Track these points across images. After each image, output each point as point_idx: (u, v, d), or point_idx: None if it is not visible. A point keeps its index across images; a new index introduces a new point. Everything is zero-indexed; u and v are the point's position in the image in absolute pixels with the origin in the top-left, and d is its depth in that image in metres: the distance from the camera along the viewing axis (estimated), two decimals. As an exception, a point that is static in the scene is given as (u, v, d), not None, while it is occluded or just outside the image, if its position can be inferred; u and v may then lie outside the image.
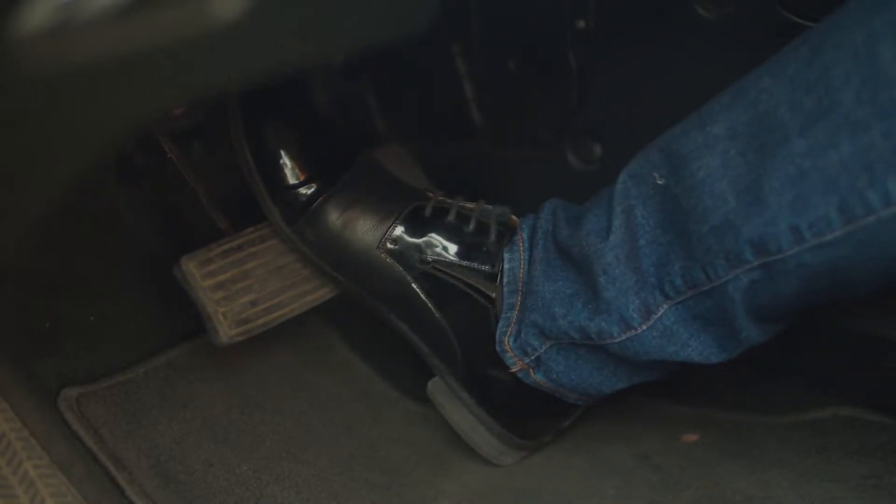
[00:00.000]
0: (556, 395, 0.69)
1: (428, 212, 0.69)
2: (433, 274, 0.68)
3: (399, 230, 0.68)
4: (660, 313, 0.58)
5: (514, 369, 0.67)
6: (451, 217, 0.69)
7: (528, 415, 0.71)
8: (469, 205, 0.70)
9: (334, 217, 0.69)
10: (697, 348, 0.59)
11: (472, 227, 0.68)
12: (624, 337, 0.60)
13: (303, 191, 0.69)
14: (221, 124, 0.74)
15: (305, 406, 0.74)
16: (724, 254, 0.53)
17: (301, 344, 0.78)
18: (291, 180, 0.69)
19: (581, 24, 0.78)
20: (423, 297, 0.68)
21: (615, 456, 0.71)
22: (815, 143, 0.48)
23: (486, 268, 0.67)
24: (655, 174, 0.58)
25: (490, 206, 0.69)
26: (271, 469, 0.65)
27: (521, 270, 0.66)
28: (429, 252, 0.68)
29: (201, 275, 0.64)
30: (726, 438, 0.71)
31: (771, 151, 0.50)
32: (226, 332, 0.64)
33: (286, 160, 0.69)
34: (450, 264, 0.68)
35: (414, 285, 0.68)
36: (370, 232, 0.68)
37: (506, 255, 0.67)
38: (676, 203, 0.56)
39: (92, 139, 0.35)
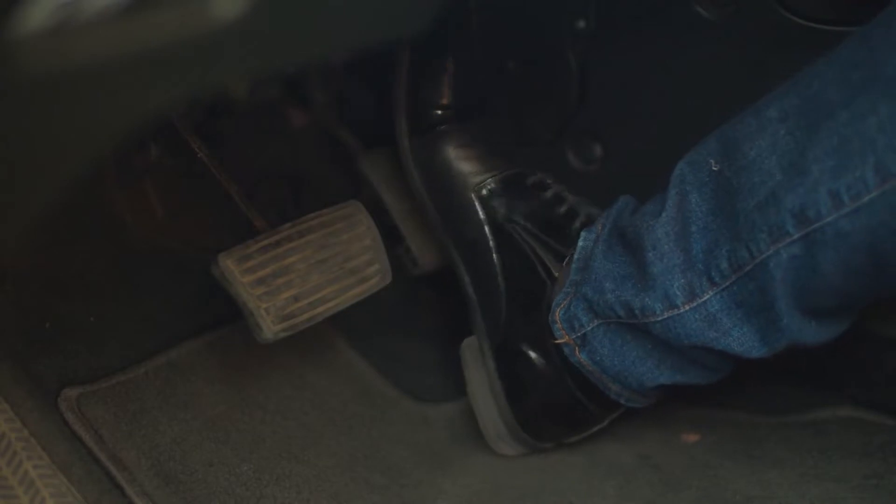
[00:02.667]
0: (598, 384, 0.69)
1: (530, 181, 0.72)
2: (510, 232, 0.71)
3: (499, 183, 0.72)
4: (704, 298, 0.59)
5: (559, 341, 0.68)
6: (548, 194, 0.72)
7: (542, 411, 0.71)
8: (567, 193, 0.73)
9: (453, 146, 0.73)
10: (738, 338, 0.60)
11: (563, 209, 0.71)
12: (666, 315, 0.61)
13: (438, 112, 0.73)
14: (254, 124, 0.75)
15: (307, 406, 0.74)
16: (767, 228, 0.54)
17: (303, 344, 0.78)
18: (435, 98, 0.73)
19: (581, 24, 0.78)
20: (493, 250, 0.71)
21: (616, 456, 0.71)
22: (857, 112, 0.49)
23: (560, 248, 0.70)
24: (711, 160, 0.59)
25: (589, 205, 0.73)
26: (272, 469, 0.65)
27: (591, 251, 0.68)
28: (516, 212, 0.71)
29: (240, 271, 0.64)
30: (727, 438, 0.71)
31: (816, 126, 0.51)
32: (270, 327, 0.64)
33: (439, 80, 0.73)
34: (529, 231, 0.70)
35: (489, 235, 0.71)
36: (475, 175, 0.72)
37: (582, 234, 0.69)
38: (728, 186, 0.57)
39: (92, 139, 0.35)
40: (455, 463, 0.73)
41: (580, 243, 0.69)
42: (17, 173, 0.35)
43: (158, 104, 0.36)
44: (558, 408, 0.71)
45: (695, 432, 0.73)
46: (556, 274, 0.69)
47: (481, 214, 0.71)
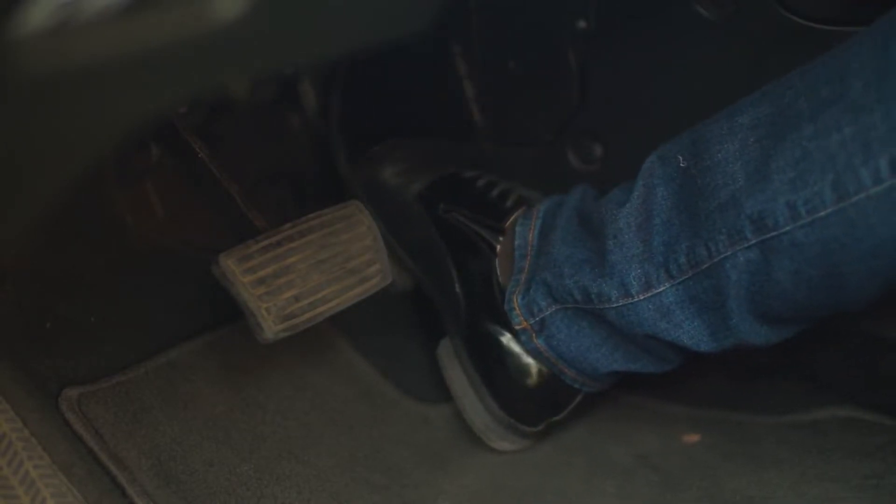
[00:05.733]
0: (555, 370, 0.70)
1: (466, 175, 0.77)
2: (452, 222, 0.74)
3: (437, 183, 0.77)
4: (660, 290, 0.60)
5: (518, 327, 0.69)
6: (481, 182, 0.76)
7: (520, 389, 0.72)
8: (501, 179, 0.76)
9: (390, 162, 0.79)
10: (689, 331, 0.61)
11: (496, 192, 0.74)
12: (621, 303, 0.62)
13: (372, 133, 0.79)
14: (254, 124, 0.78)
15: (307, 406, 0.74)
16: (726, 230, 0.55)
17: (303, 344, 0.78)
18: (368, 121, 0.80)
19: (581, 24, 0.78)
20: (441, 243, 0.75)
21: (615, 456, 0.71)
22: (822, 126, 0.50)
23: (495, 224, 0.72)
24: (680, 156, 0.60)
25: (524, 188, 0.75)
26: (272, 469, 0.65)
27: (531, 235, 0.70)
28: (454, 204, 0.75)
29: (241, 271, 0.64)
30: (726, 438, 0.71)
31: (783, 136, 0.52)
32: (270, 327, 0.64)
33: (371, 103, 0.81)
34: (467, 216, 0.74)
35: (435, 230, 0.75)
36: (413, 182, 0.78)
37: (520, 220, 0.71)
38: (693, 184, 0.58)
39: (92, 139, 0.35)
40: (455, 463, 0.73)
41: (517, 228, 0.71)
42: (17, 173, 0.35)
43: (158, 104, 0.36)
44: (534, 383, 0.71)
45: (695, 432, 0.73)
46: (497, 245, 0.71)
47: (425, 214, 0.76)
